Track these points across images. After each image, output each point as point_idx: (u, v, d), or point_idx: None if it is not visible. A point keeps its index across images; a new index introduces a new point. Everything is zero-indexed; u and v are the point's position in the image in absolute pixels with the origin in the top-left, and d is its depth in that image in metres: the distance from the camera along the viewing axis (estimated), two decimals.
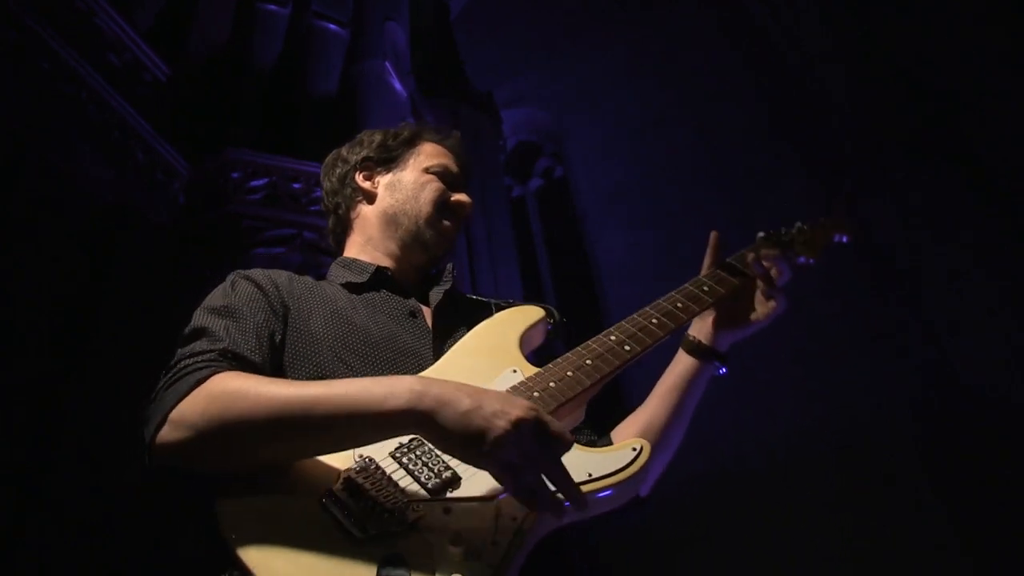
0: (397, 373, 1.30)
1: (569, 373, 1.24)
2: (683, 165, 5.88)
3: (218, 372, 1.17)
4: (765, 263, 1.46)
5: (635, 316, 1.39)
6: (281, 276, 1.47)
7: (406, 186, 1.63)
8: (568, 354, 1.31)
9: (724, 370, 1.49)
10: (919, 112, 5.11)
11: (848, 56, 5.50)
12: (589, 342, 1.33)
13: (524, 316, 1.41)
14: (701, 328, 1.53)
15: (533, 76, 7.11)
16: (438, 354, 1.37)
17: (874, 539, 4.17)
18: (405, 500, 1.03)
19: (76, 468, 3.63)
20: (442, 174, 1.64)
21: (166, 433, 1.13)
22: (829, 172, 5.27)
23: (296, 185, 5.65)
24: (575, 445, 1.09)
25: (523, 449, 1.00)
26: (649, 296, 1.43)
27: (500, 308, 1.52)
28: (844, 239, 1.58)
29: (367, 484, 1.04)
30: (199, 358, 1.20)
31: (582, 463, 1.11)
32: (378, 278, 1.54)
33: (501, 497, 1.04)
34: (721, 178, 5.63)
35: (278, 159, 5.63)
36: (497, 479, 1.03)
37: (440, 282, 1.57)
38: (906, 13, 5.28)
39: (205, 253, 5.13)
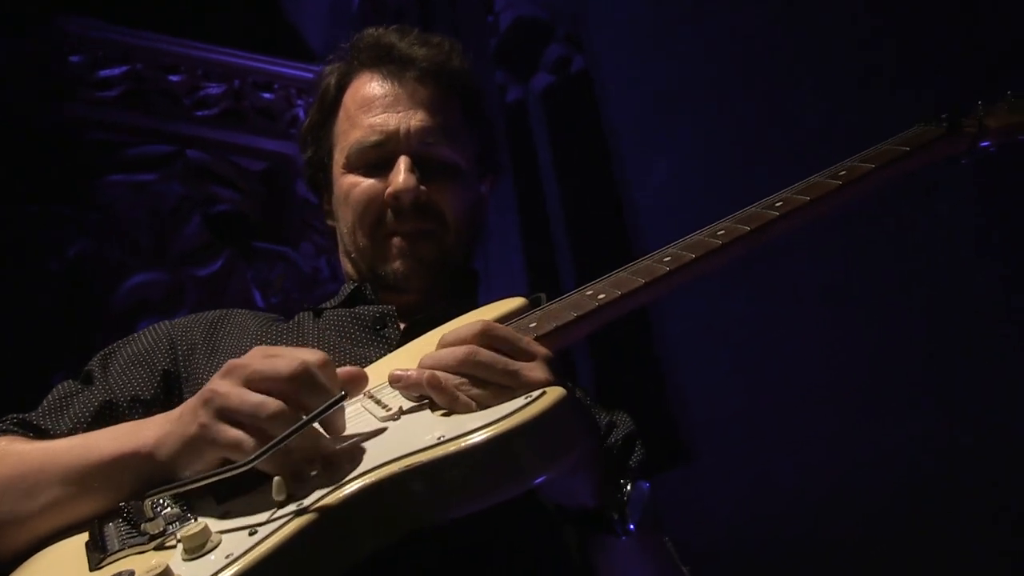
0: None
1: None
2: (754, 59, 4.75)
3: None
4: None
5: (644, 258, 1.25)
6: (203, 320, 1.49)
7: (338, 211, 1.55)
8: (529, 314, 1.25)
9: (632, 526, 1.18)
10: None
11: None
12: (560, 298, 1.26)
13: (489, 312, 1.30)
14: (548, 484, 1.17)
15: None
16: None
17: None
18: (156, 514, 1.06)
19: None
20: (363, 155, 1.48)
21: None
22: (965, 74, 3.94)
23: (174, 77, 4.65)
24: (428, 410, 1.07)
25: (243, 398, 1.02)
26: None
27: None
28: None
29: (124, 515, 1.11)
30: None
31: (431, 425, 1.01)
32: (354, 297, 1.54)
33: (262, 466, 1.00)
34: (807, 79, 4.50)
35: (145, 36, 4.60)
36: (252, 451, 1.03)
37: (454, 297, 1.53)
38: None
39: (24, 180, 4.19)
